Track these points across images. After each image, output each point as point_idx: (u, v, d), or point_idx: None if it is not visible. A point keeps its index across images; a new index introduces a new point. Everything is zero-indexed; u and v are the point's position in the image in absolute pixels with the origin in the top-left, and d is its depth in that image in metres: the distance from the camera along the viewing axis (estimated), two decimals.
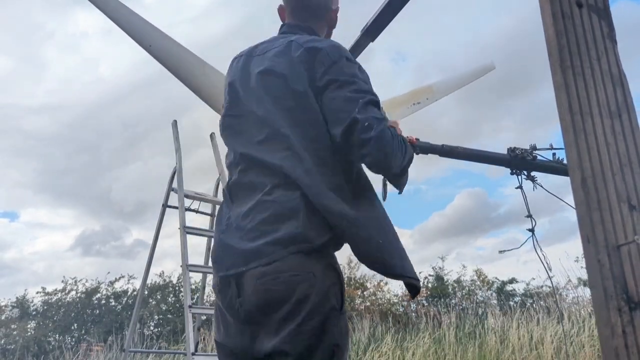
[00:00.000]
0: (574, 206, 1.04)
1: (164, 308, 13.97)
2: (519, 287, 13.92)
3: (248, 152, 1.69)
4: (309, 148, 1.61)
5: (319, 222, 1.55)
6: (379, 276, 14.06)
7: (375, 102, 1.62)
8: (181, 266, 4.41)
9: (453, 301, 13.07)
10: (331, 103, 1.61)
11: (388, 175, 1.71)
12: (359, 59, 2.44)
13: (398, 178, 1.71)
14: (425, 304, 13.29)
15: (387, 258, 1.59)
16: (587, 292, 10.19)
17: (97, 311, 13.99)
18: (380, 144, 1.55)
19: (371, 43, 2.32)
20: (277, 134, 1.64)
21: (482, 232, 24.29)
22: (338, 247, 1.65)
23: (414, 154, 1.76)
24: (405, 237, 23.11)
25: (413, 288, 1.65)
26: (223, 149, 2.40)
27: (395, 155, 1.59)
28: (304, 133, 1.62)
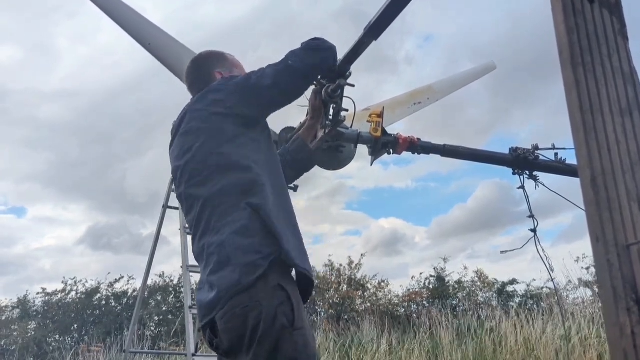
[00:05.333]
0: (581, 206, 1.03)
1: (164, 309, 13.95)
2: (520, 288, 13.89)
3: None
4: None
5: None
6: (379, 277, 14.08)
7: None
8: (181, 267, 4.39)
9: (454, 302, 13.05)
10: None
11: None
12: (360, 59, 2.43)
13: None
14: (427, 305, 13.29)
15: None
16: (588, 292, 10.19)
17: (98, 312, 13.97)
18: None
19: (374, 42, 2.31)
20: None
21: (501, 226, 23.35)
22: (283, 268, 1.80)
23: (417, 153, 1.76)
24: (421, 234, 22.58)
25: None
26: None
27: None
28: None
